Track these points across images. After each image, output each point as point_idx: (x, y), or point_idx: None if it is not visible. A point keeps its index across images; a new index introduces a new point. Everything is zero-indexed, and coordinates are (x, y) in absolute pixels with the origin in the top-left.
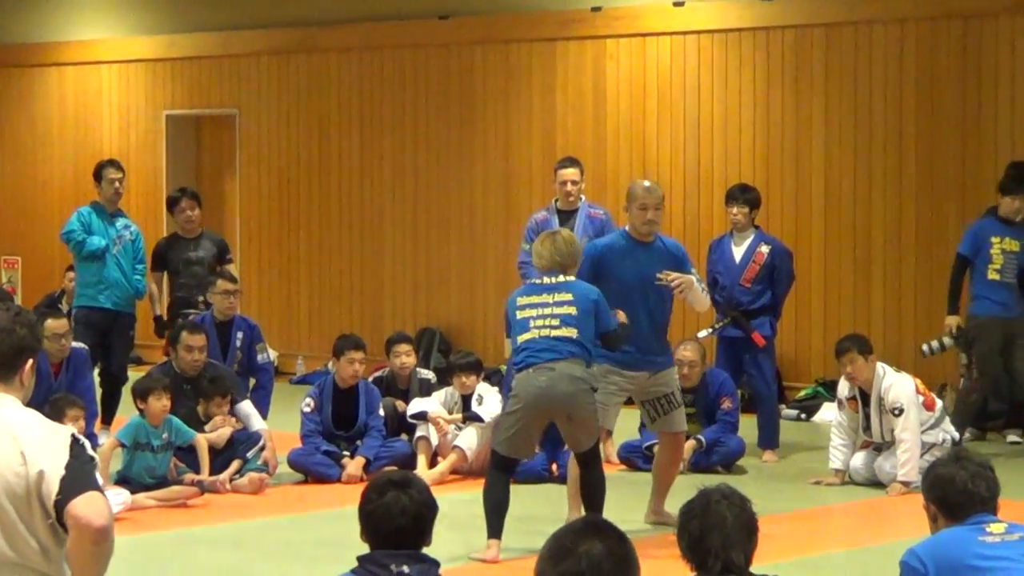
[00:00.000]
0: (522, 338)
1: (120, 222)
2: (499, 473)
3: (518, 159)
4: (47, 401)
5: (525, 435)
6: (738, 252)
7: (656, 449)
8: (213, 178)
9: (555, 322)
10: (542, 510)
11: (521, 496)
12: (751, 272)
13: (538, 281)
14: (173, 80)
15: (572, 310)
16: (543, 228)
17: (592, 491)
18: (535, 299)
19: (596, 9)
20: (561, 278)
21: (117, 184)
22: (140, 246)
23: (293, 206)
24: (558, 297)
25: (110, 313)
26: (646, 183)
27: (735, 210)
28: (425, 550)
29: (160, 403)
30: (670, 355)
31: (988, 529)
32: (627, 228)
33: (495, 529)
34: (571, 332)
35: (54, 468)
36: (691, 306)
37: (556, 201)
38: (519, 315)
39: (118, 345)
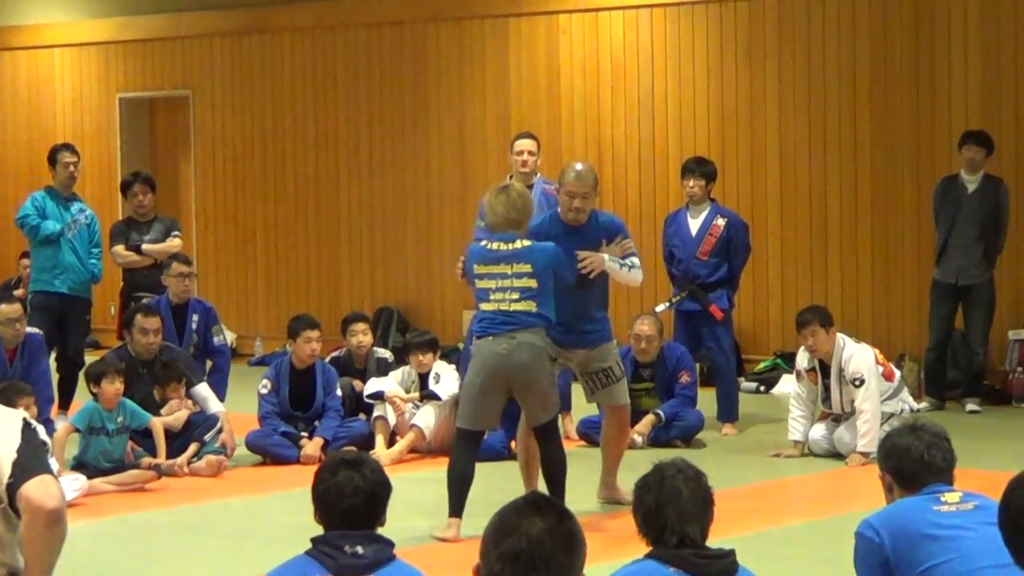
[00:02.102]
0: (484, 307)
1: (75, 206)
2: (463, 448)
3: (473, 136)
4: None
5: (485, 403)
6: (694, 225)
7: (602, 424)
8: (167, 160)
9: (515, 295)
10: (501, 488)
11: (480, 474)
12: (707, 245)
13: (494, 247)
14: (126, 62)
15: (532, 283)
16: None
17: (551, 468)
18: (493, 268)
19: None
20: (518, 244)
21: (72, 168)
22: (96, 230)
23: (248, 187)
24: (517, 268)
25: (66, 298)
26: (578, 167)
27: (691, 183)
28: (381, 530)
29: (113, 386)
30: (606, 330)
31: (943, 499)
32: (558, 210)
33: (456, 507)
34: (530, 306)
35: (6, 452)
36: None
37: (511, 177)
38: (478, 284)
39: (74, 330)
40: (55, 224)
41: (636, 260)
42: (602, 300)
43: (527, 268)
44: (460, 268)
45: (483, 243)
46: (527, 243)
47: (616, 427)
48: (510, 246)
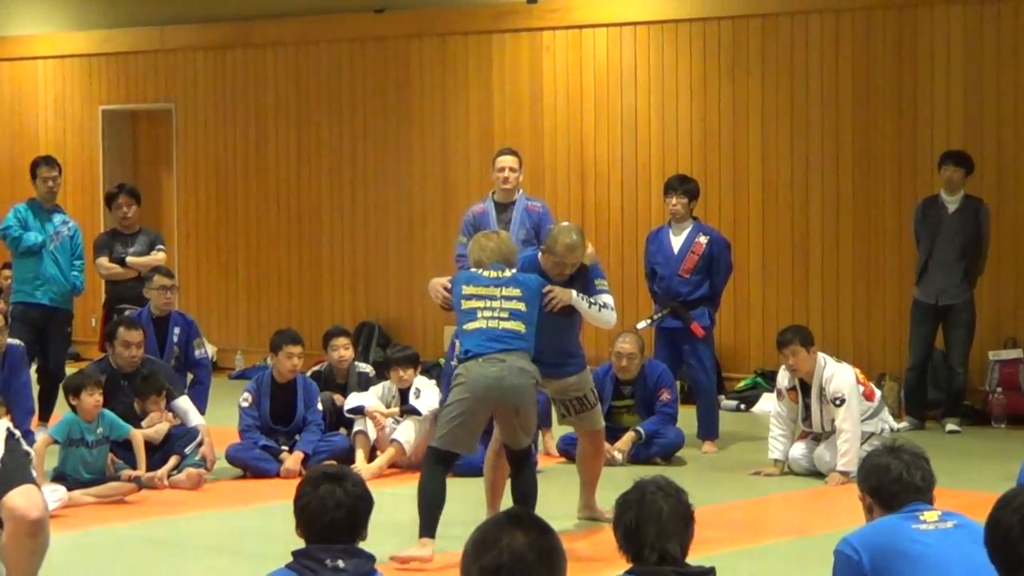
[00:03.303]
0: (469, 326)
1: (58, 218)
2: (437, 467)
3: (455, 152)
4: None
5: (470, 426)
6: (676, 243)
7: (578, 447)
8: (150, 173)
9: (504, 314)
10: (484, 504)
11: (464, 490)
12: (689, 263)
13: (485, 273)
14: (109, 75)
15: (521, 305)
16: (480, 220)
17: (524, 495)
18: (482, 290)
19: (532, 1)
20: (507, 272)
21: (51, 183)
22: (78, 242)
23: (230, 201)
24: (506, 291)
25: (47, 309)
26: (572, 238)
27: (673, 201)
28: (362, 544)
29: (92, 399)
30: (581, 361)
31: (922, 517)
32: (542, 262)
33: (430, 527)
34: (519, 326)
35: None
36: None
37: (493, 193)
38: (464, 304)
39: (55, 341)
40: (37, 236)
41: (608, 299)
42: (578, 331)
43: (517, 292)
44: (444, 298)
45: (473, 270)
46: (516, 273)
47: (591, 450)
48: (501, 273)
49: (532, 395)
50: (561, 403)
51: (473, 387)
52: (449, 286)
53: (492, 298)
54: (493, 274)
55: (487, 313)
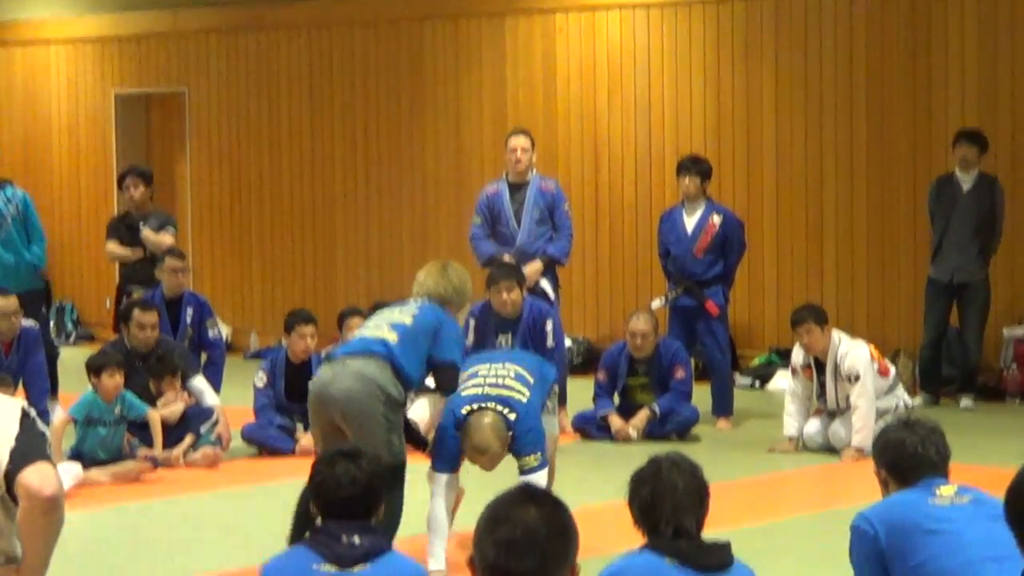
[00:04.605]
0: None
1: (0, 197)
2: None
3: (469, 134)
4: None
5: (325, 442)
6: (690, 223)
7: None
8: (163, 156)
9: (384, 327)
10: (493, 486)
11: (474, 470)
12: (703, 242)
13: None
14: (121, 59)
15: (407, 319)
16: (494, 201)
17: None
18: (387, 312)
19: None
20: (423, 302)
21: None
22: (30, 214)
23: (244, 183)
24: (403, 311)
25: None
26: (486, 440)
27: (686, 181)
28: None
29: (113, 380)
30: None
31: (938, 492)
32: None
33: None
34: (392, 336)
35: (4, 439)
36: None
37: (507, 174)
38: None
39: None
40: None
41: (537, 477)
42: None
43: (412, 311)
44: None
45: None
46: (430, 304)
47: None
48: (414, 300)
49: (367, 403)
50: None
51: (310, 401)
52: None
53: (388, 316)
54: (410, 300)
55: (371, 323)
